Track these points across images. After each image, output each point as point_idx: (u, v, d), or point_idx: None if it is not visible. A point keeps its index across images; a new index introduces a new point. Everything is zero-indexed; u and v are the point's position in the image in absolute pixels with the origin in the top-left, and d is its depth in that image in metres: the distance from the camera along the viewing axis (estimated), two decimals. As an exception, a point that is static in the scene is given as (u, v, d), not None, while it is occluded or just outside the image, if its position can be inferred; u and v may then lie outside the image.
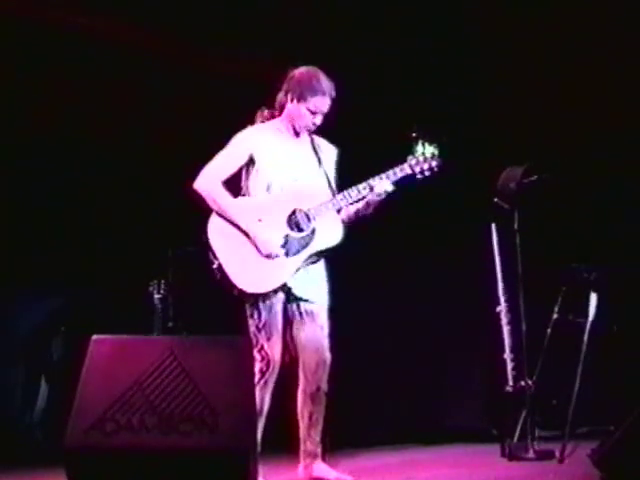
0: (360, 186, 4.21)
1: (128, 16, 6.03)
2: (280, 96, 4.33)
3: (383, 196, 4.21)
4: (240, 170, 4.26)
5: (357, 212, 4.29)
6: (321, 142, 4.39)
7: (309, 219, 4.16)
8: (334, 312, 4.28)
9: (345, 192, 4.22)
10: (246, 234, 4.11)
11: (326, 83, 4.22)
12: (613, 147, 5.82)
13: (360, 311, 5.90)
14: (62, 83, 6.14)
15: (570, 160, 5.74)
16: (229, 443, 3.26)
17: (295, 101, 4.23)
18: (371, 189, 4.19)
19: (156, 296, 5.89)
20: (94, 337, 3.50)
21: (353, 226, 4.29)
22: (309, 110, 4.21)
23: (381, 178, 4.21)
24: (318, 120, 4.26)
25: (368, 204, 4.26)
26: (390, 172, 4.23)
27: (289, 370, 4.22)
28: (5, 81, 5.97)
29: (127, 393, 3.35)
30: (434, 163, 4.26)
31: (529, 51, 6.19)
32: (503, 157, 5.40)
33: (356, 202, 4.25)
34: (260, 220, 4.14)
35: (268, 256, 4.08)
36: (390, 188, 4.21)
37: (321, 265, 4.25)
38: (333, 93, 4.23)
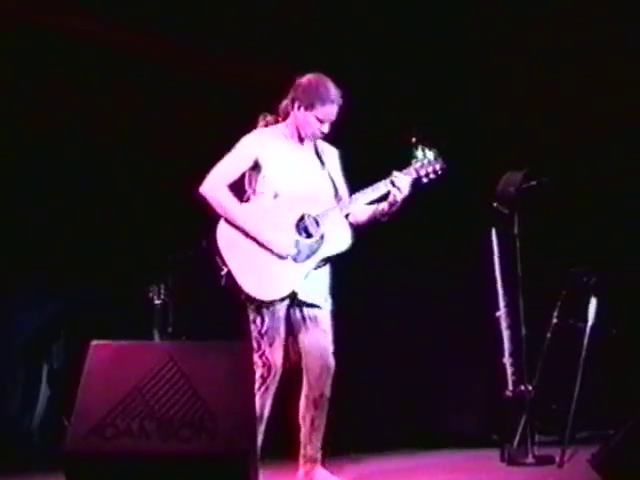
0: (367, 190, 4.18)
1: (129, 18, 6.04)
2: (285, 103, 4.28)
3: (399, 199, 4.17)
4: (243, 174, 4.21)
5: (374, 216, 4.24)
6: (322, 145, 4.35)
7: (318, 224, 4.12)
8: (335, 317, 4.26)
9: (352, 196, 4.20)
10: (255, 240, 4.06)
11: (334, 91, 4.15)
12: (613, 151, 5.82)
13: (360, 316, 5.89)
14: (62, 85, 6.14)
15: (569, 164, 5.74)
16: (228, 448, 3.25)
17: (303, 109, 4.16)
18: (378, 193, 4.17)
19: (156, 301, 5.88)
20: (93, 342, 3.50)
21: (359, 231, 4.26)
22: (317, 118, 4.15)
23: (386, 184, 4.17)
24: (325, 128, 4.20)
25: (384, 210, 4.21)
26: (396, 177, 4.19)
27: (289, 375, 4.21)
28: (5, 82, 5.97)
29: (127, 398, 3.34)
30: (438, 166, 4.24)
31: (528, 54, 6.20)
32: (503, 162, 5.41)
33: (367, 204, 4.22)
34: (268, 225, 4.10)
35: (281, 256, 4.04)
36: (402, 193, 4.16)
37: (326, 269, 4.21)
38: (341, 101, 4.16)
